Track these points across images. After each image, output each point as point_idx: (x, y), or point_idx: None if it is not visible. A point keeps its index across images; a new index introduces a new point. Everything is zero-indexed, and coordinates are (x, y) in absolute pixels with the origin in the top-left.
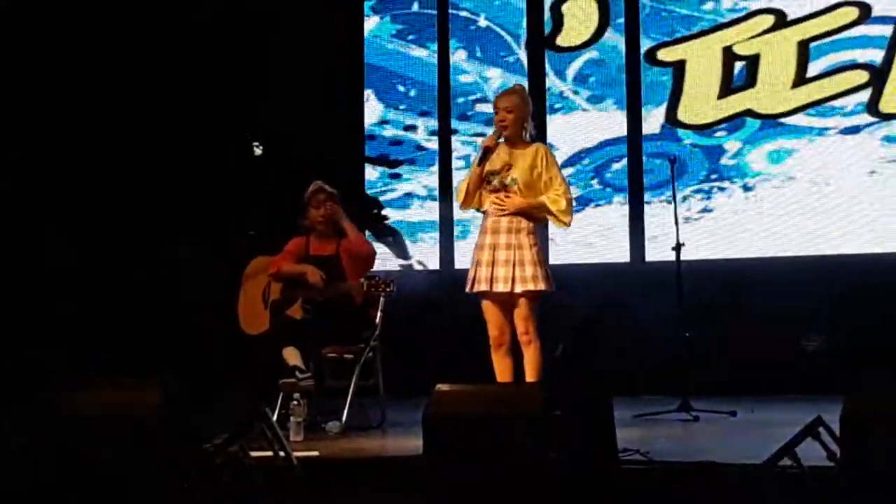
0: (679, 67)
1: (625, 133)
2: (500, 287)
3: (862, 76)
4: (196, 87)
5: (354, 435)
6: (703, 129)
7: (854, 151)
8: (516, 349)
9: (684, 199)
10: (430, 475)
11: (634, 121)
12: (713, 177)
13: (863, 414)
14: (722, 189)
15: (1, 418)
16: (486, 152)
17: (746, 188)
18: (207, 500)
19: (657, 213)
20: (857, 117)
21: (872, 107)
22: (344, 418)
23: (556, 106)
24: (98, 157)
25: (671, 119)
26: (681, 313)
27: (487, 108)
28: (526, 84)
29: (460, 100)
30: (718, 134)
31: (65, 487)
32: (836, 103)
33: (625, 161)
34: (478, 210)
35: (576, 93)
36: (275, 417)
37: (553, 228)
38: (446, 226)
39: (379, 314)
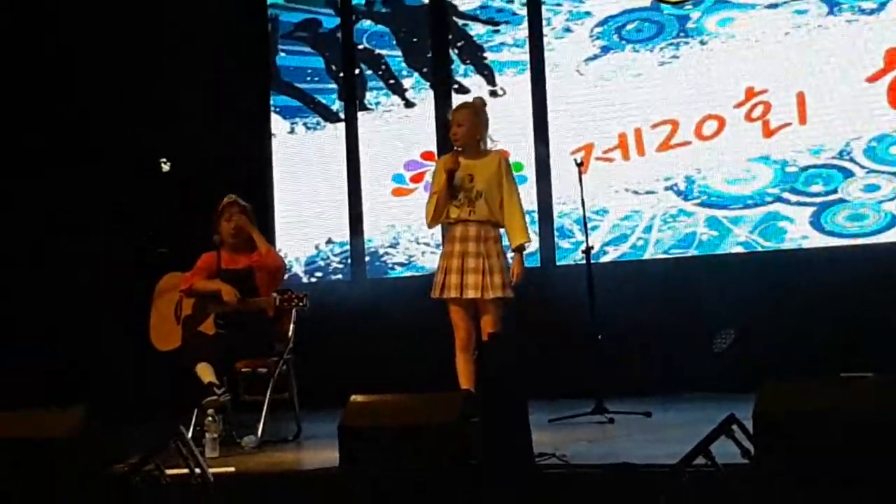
0: None
1: None
2: (471, 294)
3: None
4: (104, 105)
5: (270, 449)
6: (677, 4)
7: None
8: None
9: (661, 50)
10: (347, 487)
11: None
12: (681, 34)
13: (775, 410)
14: (686, 43)
15: None
16: (452, 174)
17: (702, 43)
18: None
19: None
20: None
21: None
22: (259, 433)
23: None
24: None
25: None
26: (593, 316)
27: None
28: None
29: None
30: (686, 6)
31: None
32: None
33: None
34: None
35: None
36: (189, 434)
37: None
38: (357, 240)
39: (292, 327)
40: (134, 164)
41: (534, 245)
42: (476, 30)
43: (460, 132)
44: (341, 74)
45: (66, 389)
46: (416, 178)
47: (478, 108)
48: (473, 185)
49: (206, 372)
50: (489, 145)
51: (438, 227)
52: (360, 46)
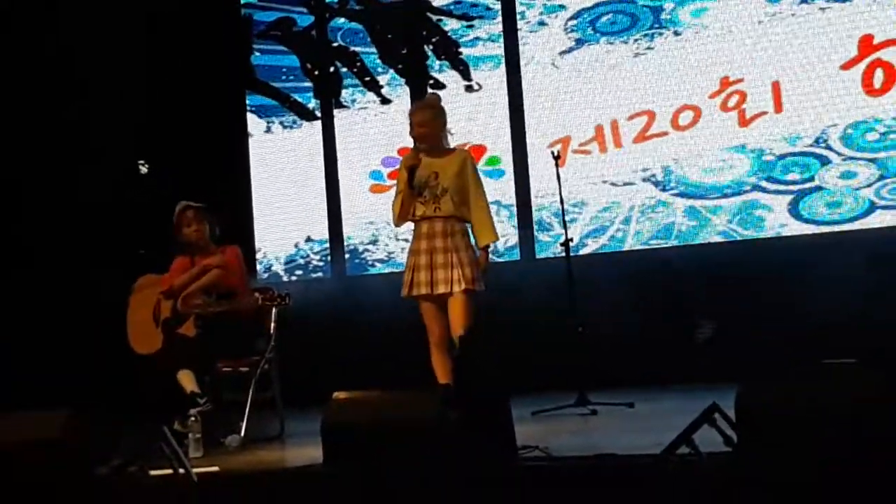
0: None
1: None
2: (441, 289)
3: None
4: (83, 107)
5: (254, 448)
6: None
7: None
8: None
9: (635, 41)
10: (331, 484)
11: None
12: (655, 26)
13: (757, 398)
14: (660, 34)
15: None
16: (413, 171)
17: (676, 34)
18: None
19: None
20: None
21: None
22: (243, 432)
23: None
24: None
25: None
26: (573, 308)
27: None
28: None
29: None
30: None
31: None
32: None
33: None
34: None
35: None
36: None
37: None
38: (337, 238)
39: (273, 326)
40: (111, 166)
41: (513, 238)
42: (450, 25)
43: (423, 133)
44: (316, 73)
45: (48, 392)
46: (394, 175)
47: (437, 106)
48: (439, 182)
49: (187, 380)
50: (449, 139)
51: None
52: (335, 44)
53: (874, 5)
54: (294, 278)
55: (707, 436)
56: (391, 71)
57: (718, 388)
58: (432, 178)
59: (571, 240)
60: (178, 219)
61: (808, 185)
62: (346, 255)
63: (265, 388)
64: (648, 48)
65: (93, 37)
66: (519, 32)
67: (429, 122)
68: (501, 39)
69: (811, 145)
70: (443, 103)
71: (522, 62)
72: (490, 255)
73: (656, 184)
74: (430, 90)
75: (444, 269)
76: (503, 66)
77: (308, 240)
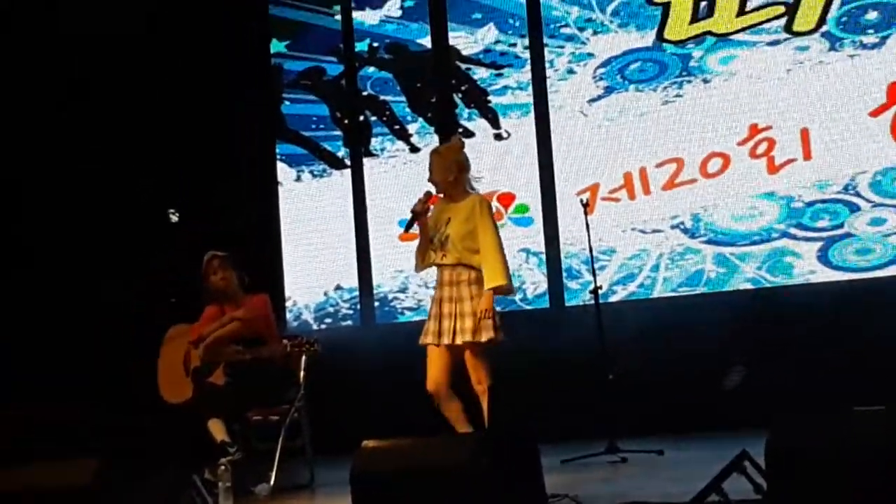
0: (666, 6)
1: None
2: (446, 340)
3: (779, 9)
4: (114, 157)
5: (283, 497)
6: (679, 43)
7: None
8: (467, 394)
9: (664, 89)
10: None
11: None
12: (683, 73)
13: (787, 446)
14: (689, 82)
15: None
16: (414, 217)
17: (705, 81)
18: None
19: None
20: (778, 35)
21: (788, 27)
22: (272, 481)
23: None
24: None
25: (660, 37)
26: (603, 355)
27: None
28: None
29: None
30: (688, 46)
31: None
32: (765, 26)
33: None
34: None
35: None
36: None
37: None
38: (366, 286)
39: (302, 374)
40: (142, 215)
41: (542, 286)
42: (479, 74)
43: (430, 179)
44: (346, 121)
45: (79, 440)
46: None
47: (444, 151)
48: (446, 229)
49: (217, 429)
50: (475, 186)
51: None
52: (365, 93)
53: None
54: (324, 326)
55: (737, 484)
56: (420, 119)
57: (748, 436)
58: (443, 225)
59: (600, 287)
60: (206, 268)
61: (837, 232)
62: (376, 303)
63: (295, 437)
64: (677, 96)
65: (122, 82)
66: (548, 80)
67: (434, 168)
68: (530, 87)
69: (840, 192)
70: (469, 150)
71: (551, 110)
72: (518, 302)
73: (685, 231)
74: None
75: (448, 319)
76: (532, 114)
77: (337, 288)
